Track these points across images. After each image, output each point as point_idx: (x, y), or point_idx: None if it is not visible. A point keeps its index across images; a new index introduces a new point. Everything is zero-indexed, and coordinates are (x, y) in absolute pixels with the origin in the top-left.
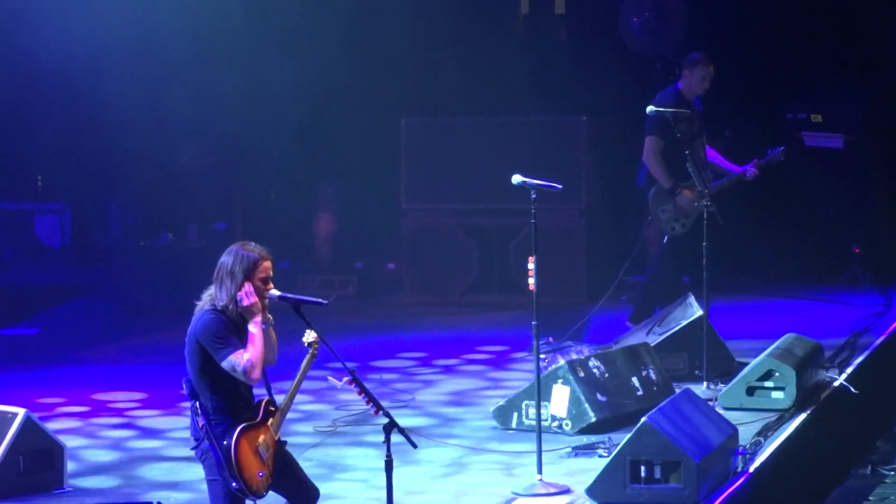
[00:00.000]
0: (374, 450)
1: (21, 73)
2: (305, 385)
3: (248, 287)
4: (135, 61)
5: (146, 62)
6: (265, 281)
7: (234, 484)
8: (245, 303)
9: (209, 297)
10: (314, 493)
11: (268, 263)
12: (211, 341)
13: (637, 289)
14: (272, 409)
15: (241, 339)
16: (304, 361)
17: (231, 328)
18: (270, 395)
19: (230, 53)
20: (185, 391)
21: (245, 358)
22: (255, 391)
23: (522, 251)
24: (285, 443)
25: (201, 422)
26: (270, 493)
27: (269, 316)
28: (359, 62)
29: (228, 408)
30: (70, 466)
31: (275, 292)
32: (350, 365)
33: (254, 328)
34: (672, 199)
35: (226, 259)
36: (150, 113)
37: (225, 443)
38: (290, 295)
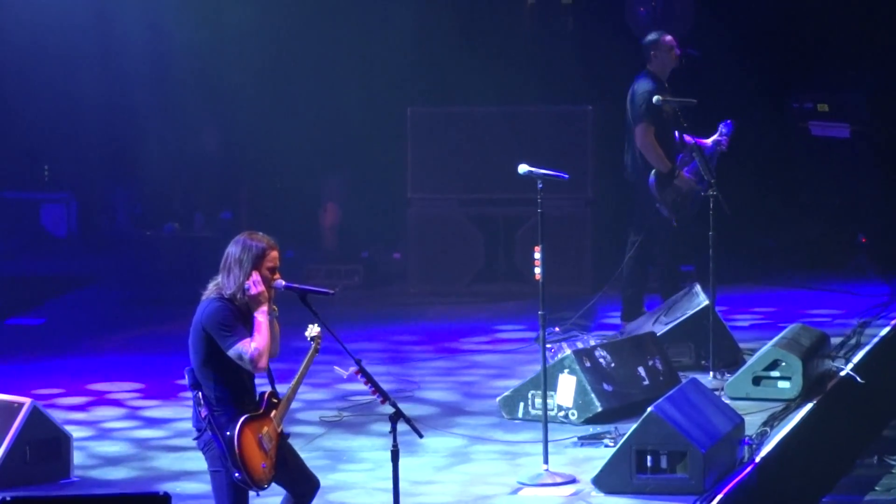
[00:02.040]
0: (380, 439)
1: (26, 62)
2: (311, 374)
3: (255, 276)
4: (142, 51)
5: (153, 52)
6: (272, 270)
7: (236, 474)
8: (253, 291)
9: (215, 287)
10: (314, 484)
11: (275, 253)
12: (218, 329)
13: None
14: (275, 400)
15: (248, 328)
16: (307, 356)
17: (238, 316)
18: (273, 386)
19: (238, 44)
20: (187, 381)
21: (252, 346)
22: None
23: (528, 241)
24: (288, 435)
25: (204, 412)
26: (272, 484)
27: (274, 307)
28: (365, 52)
29: (231, 398)
30: (78, 458)
31: (281, 282)
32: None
33: (260, 317)
34: (671, 183)
35: (233, 248)
36: (157, 103)
37: (228, 433)
38: (296, 284)
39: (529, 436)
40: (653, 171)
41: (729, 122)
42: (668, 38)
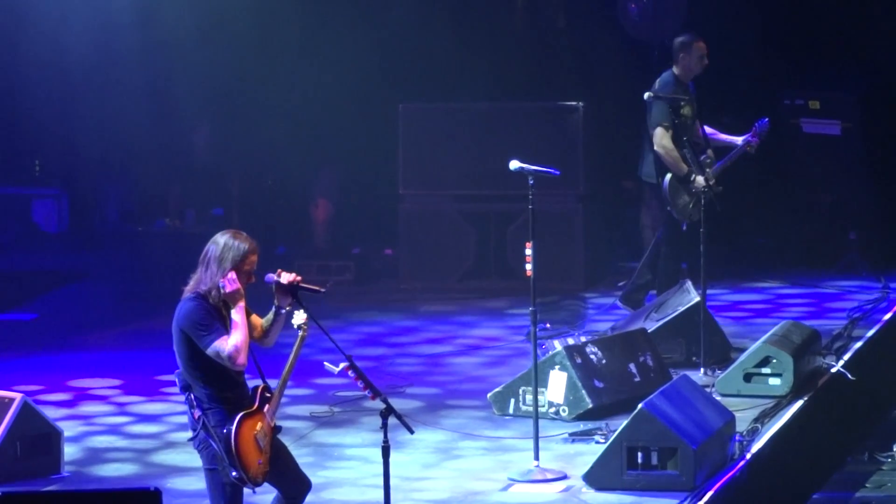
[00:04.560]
0: (370, 435)
1: (18, 56)
2: (299, 370)
3: (232, 275)
4: (134, 46)
5: (146, 48)
6: (249, 274)
7: (233, 473)
8: (228, 289)
9: (194, 282)
10: (306, 485)
11: (255, 257)
12: (194, 328)
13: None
14: (267, 394)
15: (225, 326)
16: (295, 344)
17: (215, 315)
18: (264, 381)
19: (230, 40)
20: (178, 385)
21: (229, 344)
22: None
23: (520, 237)
24: (280, 428)
25: (197, 413)
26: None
27: (289, 300)
28: (357, 47)
29: (222, 396)
30: (68, 453)
31: (272, 276)
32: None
33: (236, 314)
34: (687, 186)
35: (215, 245)
36: (149, 98)
37: (224, 431)
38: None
39: (520, 432)
40: (668, 175)
41: (765, 119)
42: (701, 43)
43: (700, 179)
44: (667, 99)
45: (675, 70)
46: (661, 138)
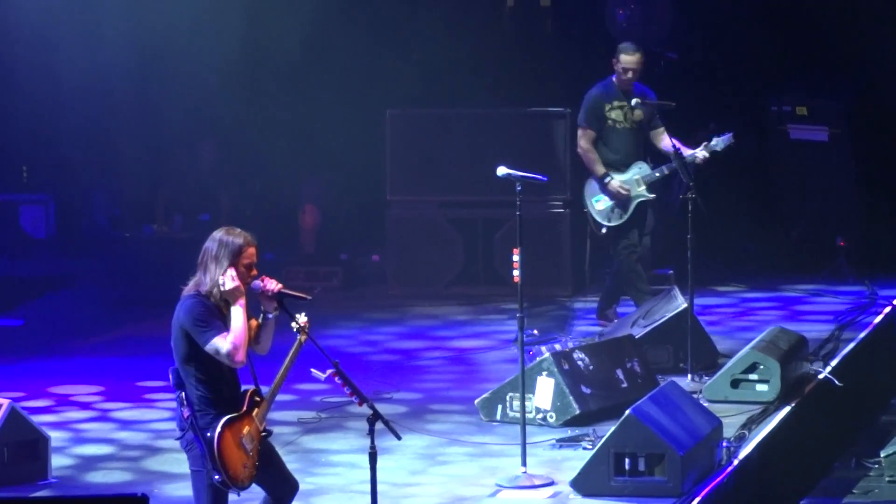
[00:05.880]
0: (357, 441)
1: (5, 62)
2: (289, 377)
3: (231, 271)
4: (122, 51)
5: (133, 52)
6: (249, 267)
7: (216, 477)
8: (227, 286)
9: (194, 284)
10: (293, 487)
11: (252, 250)
12: (194, 325)
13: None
14: (257, 399)
15: (225, 324)
16: (292, 349)
17: (215, 312)
18: (257, 384)
19: (217, 47)
20: (171, 381)
21: (228, 341)
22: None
23: (507, 243)
24: (270, 433)
25: (186, 413)
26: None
27: (275, 305)
28: (343, 53)
29: (214, 398)
30: (56, 460)
31: (259, 283)
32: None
33: (236, 311)
34: (605, 189)
35: (210, 244)
36: (136, 104)
37: (209, 435)
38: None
39: (507, 438)
40: (589, 178)
41: (728, 133)
42: (629, 57)
43: (614, 183)
44: (650, 105)
45: (615, 77)
46: (580, 139)
